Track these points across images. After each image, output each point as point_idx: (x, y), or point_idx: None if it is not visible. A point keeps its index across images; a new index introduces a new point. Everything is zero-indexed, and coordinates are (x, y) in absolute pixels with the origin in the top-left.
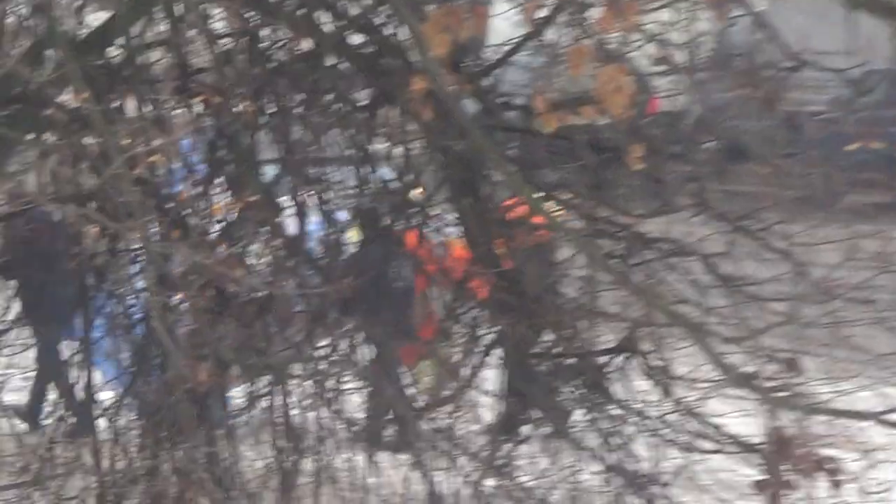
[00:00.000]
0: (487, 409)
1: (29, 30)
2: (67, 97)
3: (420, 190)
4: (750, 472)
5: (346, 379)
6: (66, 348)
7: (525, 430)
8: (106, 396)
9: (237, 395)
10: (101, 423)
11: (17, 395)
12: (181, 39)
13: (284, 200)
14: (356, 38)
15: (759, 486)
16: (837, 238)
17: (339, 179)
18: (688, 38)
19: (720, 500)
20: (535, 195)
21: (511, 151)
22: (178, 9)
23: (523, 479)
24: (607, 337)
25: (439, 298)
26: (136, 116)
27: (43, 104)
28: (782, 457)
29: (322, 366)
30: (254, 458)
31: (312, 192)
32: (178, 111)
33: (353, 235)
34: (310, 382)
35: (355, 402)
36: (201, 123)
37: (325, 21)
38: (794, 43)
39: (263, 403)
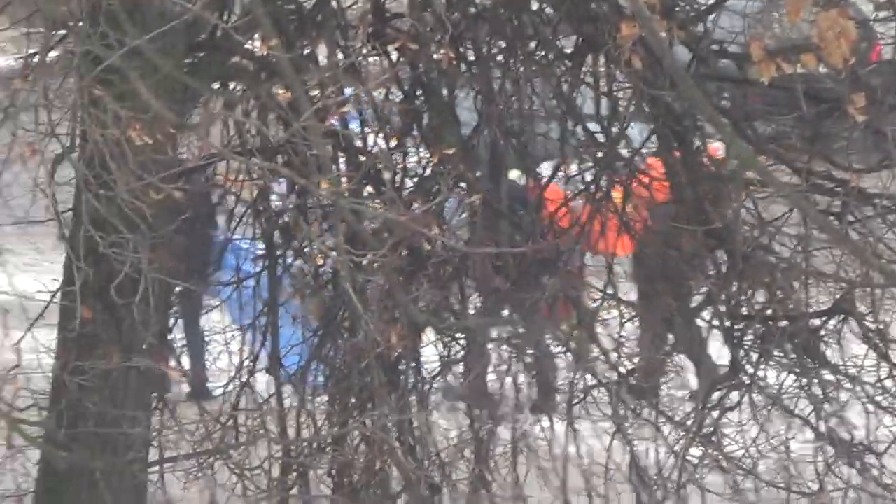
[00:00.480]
0: (694, 375)
1: None
2: (255, 44)
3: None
4: None
5: (545, 343)
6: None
7: (733, 396)
8: (292, 361)
9: (430, 359)
10: (287, 389)
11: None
12: None
13: (483, 154)
14: None
15: None
16: None
17: (541, 132)
18: None
19: None
20: (748, 148)
21: (724, 102)
22: None
23: (731, 448)
24: (821, 298)
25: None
26: (327, 64)
27: (229, 52)
28: None
29: (520, 329)
30: (447, 427)
31: (513, 145)
32: (373, 59)
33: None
34: (507, 346)
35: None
36: (397, 72)
37: None
38: None
39: (458, 368)
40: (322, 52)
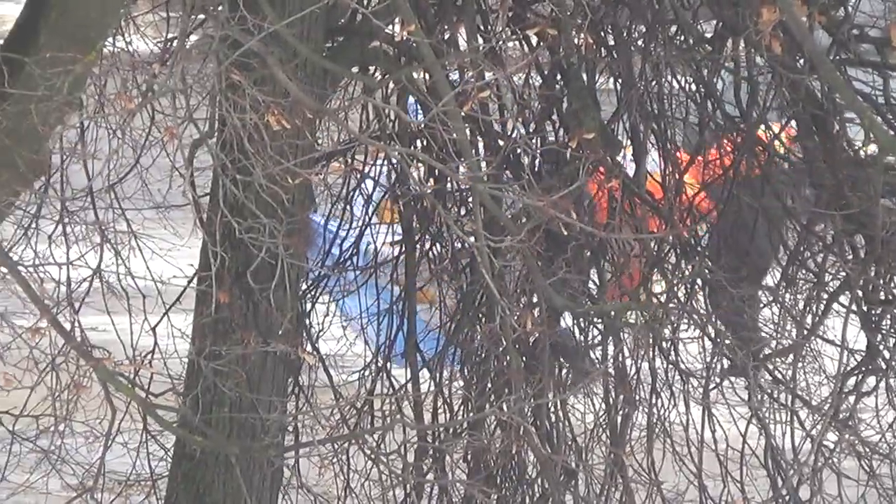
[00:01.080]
0: (831, 360)
1: None
2: (395, 28)
3: None
4: None
5: (683, 327)
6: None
7: (870, 381)
8: (429, 346)
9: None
10: (424, 374)
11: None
12: None
13: (622, 138)
14: None
15: None
16: None
17: (680, 116)
18: None
19: None
20: (889, 132)
21: (864, 86)
22: None
23: (867, 433)
24: None
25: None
26: (467, 49)
27: (369, 36)
28: None
29: (658, 313)
30: (583, 411)
31: (652, 129)
32: (513, 44)
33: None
34: (644, 331)
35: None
36: (537, 57)
37: None
38: None
39: (595, 353)
40: (462, 37)
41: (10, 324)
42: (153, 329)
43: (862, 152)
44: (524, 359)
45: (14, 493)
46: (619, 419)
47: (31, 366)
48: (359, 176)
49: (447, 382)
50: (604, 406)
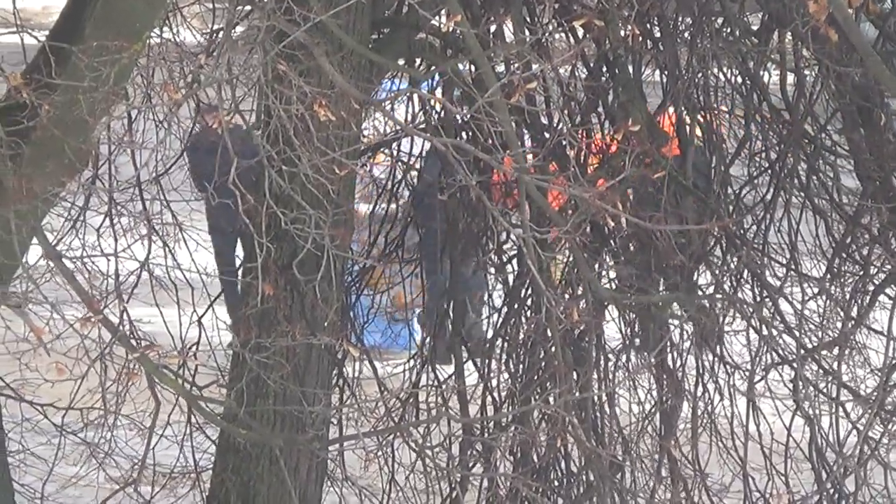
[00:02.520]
0: (876, 352)
1: None
2: (441, 20)
3: None
4: None
5: (729, 319)
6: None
7: None
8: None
9: (614, 336)
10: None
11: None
12: None
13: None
14: None
15: None
16: None
17: (727, 108)
18: None
19: None
20: None
21: None
22: None
23: None
24: None
25: None
26: (513, 41)
27: (415, 28)
28: None
29: (705, 305)
30: (629, 403)
31: (698, 121)
32: (559, 35)
33: None
34: (691, 323)
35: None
36: (583, 48)
37: None
38: None
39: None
40: (508, 29)
41: (61, 314)
42: (199, 321)
43: None
44: (570, 351)
45: (64, 486)
46: (666, 412)
47: (82, 355)
48: (404, 167)
49: (493, 375)
50: (650, 398)
